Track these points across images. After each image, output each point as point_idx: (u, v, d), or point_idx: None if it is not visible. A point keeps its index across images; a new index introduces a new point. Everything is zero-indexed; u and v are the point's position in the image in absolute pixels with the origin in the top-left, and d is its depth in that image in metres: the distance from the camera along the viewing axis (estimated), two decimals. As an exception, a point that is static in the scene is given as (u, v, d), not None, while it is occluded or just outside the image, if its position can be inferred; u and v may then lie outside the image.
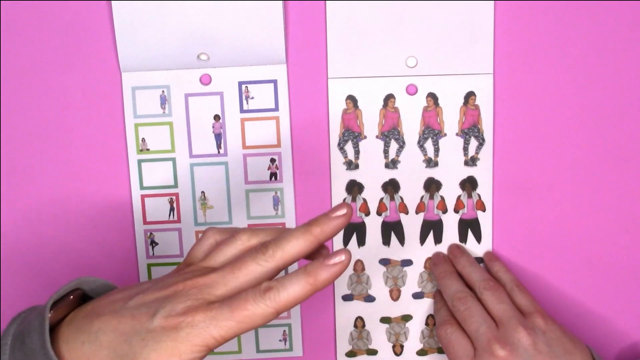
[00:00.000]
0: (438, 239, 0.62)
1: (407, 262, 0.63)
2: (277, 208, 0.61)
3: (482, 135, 0.61)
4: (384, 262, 0.63)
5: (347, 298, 0.63)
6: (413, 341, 0.63)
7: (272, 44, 0.59)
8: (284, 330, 0.63)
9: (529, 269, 0.63)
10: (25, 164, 0.61)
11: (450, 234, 0.62)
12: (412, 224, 0.62)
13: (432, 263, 0.62)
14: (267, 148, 0.61)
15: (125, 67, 0.60)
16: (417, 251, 0.62)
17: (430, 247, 0.62)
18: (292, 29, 0.60)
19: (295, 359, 0.64)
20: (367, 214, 0.62)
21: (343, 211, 0.46)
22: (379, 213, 0.62)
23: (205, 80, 0.60)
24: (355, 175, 0.61)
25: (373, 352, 0.64)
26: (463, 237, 0.62)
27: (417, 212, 0.62)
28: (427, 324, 0.63)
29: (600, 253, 0.62)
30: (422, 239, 0.62)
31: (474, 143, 0.61)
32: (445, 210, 0.62)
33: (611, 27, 0.60)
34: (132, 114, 0.60)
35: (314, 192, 0.62)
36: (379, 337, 0.63)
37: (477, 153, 0.61)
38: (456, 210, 0.62)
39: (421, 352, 0.64)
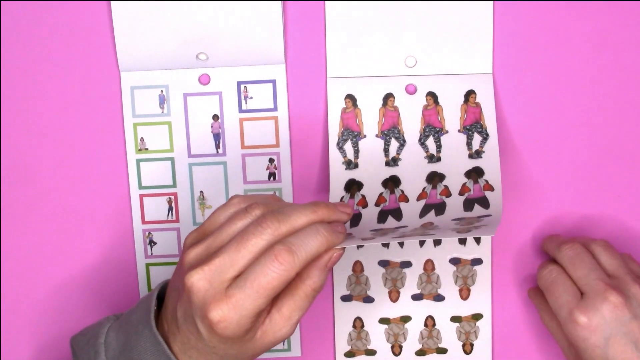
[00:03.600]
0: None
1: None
2: (275, 208, 0.61)
3: (486, 130, 0.60)
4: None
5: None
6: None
7: (271, 44, 0.59)
8: (282, 330, 0.63)
9: (530, 269, 0.63)
10: (25, 164, 0.61)
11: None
12: (411, 209, 0.59)
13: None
14: (265, 148, 0.61)
15: (124, 66, 0.60)
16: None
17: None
18: (291, 28, 0.60)
19: (293, 359, 0.64)
20: (365, 206, 0.60)
21: (348, 210, 0.50)
22: (377, 205, 0.60)
23: (204, 80, 0.60)
24: (354, 174, 0.61)
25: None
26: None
27: (418, 200, 0.59)
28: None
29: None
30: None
31: (477, 138, 0.60)
32: (449, 195, 0.59)
33: (611, 26, 0.60)
34: (131, 114, 0.61)
35: (313, 192, 0.62)
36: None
37: (481, 147, 0.60)
38: (461, 194, 0.59)
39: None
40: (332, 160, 0.61)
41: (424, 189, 0.60)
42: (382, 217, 0.59)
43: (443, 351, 0.63)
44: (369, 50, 0.60)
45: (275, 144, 0.61)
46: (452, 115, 0.60)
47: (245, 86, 0.60)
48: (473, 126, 0.60)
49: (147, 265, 0.62)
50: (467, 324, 0.63)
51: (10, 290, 0.63)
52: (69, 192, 0.62)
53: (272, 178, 0.61)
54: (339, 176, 0.61)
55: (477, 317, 0.63)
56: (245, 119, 0.61)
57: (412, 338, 0.63)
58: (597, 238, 0.59)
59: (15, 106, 0.61)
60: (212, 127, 0.61)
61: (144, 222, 0.62)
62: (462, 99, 0.60)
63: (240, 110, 0.61)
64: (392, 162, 0.61)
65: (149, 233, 0.62)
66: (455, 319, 0.63)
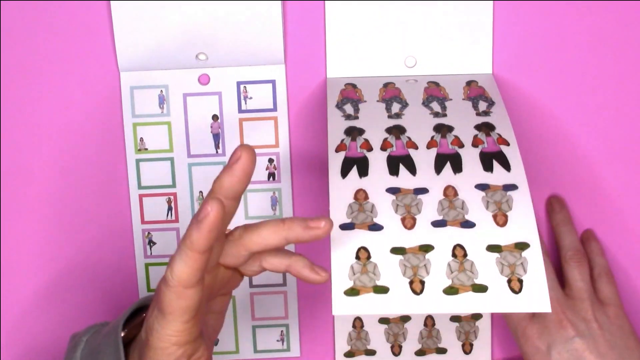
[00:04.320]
0: (457, 169, 0.51)
1: (422, 190, 0.51)
2: (275, 208, 0.61)
3: (491, 99, 0.56)
4: (393, 190, 0.51)
5: (347, 227, 0.49)
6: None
7: (271, 44, 0.59)
8: (282, 331, 0.63)
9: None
10: (25, 164, 0.61)
11: (472, 165, 0.52)
12: (423, 156, 0.52)
13: None
14: (265, 148, 0.61)
15: (124, 66, 0.60)
16: (433, 180, 0.51)
17: (448, 176, 0.51)
18: (291, 29, 0.60)
19: (292, 359, 0.64)
20: (370, 149, 0.53)
21: (321, 224, 0.44)
22: (383, 149, 0.53)
23: (204, 80, 0.60)
24: (354, 123, 0.55)
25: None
26: (488, 166, 0.51)
27: (428, 148, 0.53)
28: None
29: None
30: (438, 170, 0.52)
31: (483, 104, 0.56)
32: (461, 146, 0.53)
33: (610, 26, 0.60)
34: (131, 114, 0.60)
35: (312, 192, 0.62)
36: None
37: (488, 109, 0.55)
38: (475, 145, 0.52)
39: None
40: (330, 115, 0.55)
41: (432, 137, 0.53)
42: (392, 165, 0.52)
43: (443, 351, 0.63)
44: (368, 50, 0.60)
45: (274, 144, 0.61)
46: (455, 91, 0.58)
47: (244, 86, 0.60)
48: (478, 97, 0.57)
49: (147, 265, 0.62)
50: (466, 324, 0.63)
51: (9, 289, 0.63)
52: (68, 192, 0.62)
53: (271, 178, 0.61)
54: (337, 126, 0.54)
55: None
56: (245, 119, 0.61)
57: (411, 338, 0.63)
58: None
59: (15, 106, 0.61)
60: (211, 127, 0.61)
61: (143, 222, 0.62)
62: (464, 84, 0.59)
63: (240, 111, 0.61)
64: (395, 116, 0.55)
65: (149, 233, 0.62)
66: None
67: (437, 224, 0.49)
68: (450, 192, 0.51)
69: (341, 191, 0.51)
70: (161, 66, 0.60)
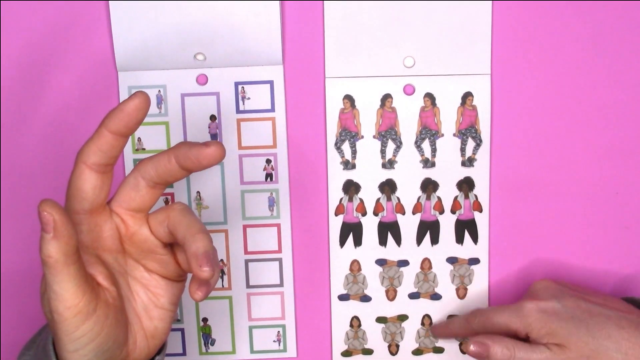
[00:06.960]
0: (435, 240, 0.62)
1: (404, 263, 0.63)
2: (272, 209, 0.62)
3: (480, 136, 0.61)
4: (381, 262, 0.63)
5: (343, 298, 0.63)
6: (409, 341, 0.64)
7: (269, 45, 0.59)
8: (278, 331, 0.63)
9: (527, 269, 0.63)
10: (23, 163, 0.62)
11: (447, 235, 0.62)
12: (408, 224, 0.62)
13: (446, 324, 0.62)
14: (263, 149, 0.61)
15: (122, 66, 0.60)
16: (414, 252, 0.63)
17: (427, 248, 0.62)
18: (289, 29, 0.60)
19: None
20: (364, 214, 0.62)
21: (209, 146, 0.45)
22: (375, 213, 0.62)
23: (202, 80, 0.60)
24: (352, 175, 0.61)
25: (369, 352, 0.64)
26: (460, 238, 0.62)
27: (413, 213, 0.62)
28: (422, 323, 0.63)
29: (598, 253, 0.62)
30: (419, 240, 0.62)
31: (471, 144, 0.61)
32: (442, 211, 0.62)
33: (609, 27, 0.59)
34: (129, 114, 0.61)
35: (310, 193, 0.62)
36: (375, 337, 0.64)
37: (474, 154, 0.61)
38: (453, 211, 0.62)
39: (417, 352, 0.64)
40: (329, 160, 0.61)
41: (418, 198, 0.62)
42: (382, 232, 0.62)
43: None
44: (367, 51, 0.60)
45: (272, 144, 0.61)
46: (448, 118, 0.61)
47: (242, 87, 0.60)
48: (468, 130, 0.61)
49: (145, 265, 0.62)
50: None
51: (10, 290, 0.63)
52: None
53: (269, 179, 0.61)
54: (336, 176, 0.61)
55: None
56: (243, 120, 0.61)
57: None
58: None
59: (13, 105, 0.61)
60: (209, 127, 0.61)
61: (141, 222, 0.62)
62: (460, 101, 0.60)
63: (238, 111, 0.61)
64: (389, 164, 0.61)
65: (147, 233, 0.62)
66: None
67: (412, 296, 0.63)
68: (425, 266, 0.63)
69: (339, 261, 0.62)
70: (159, 66, 0.60)
